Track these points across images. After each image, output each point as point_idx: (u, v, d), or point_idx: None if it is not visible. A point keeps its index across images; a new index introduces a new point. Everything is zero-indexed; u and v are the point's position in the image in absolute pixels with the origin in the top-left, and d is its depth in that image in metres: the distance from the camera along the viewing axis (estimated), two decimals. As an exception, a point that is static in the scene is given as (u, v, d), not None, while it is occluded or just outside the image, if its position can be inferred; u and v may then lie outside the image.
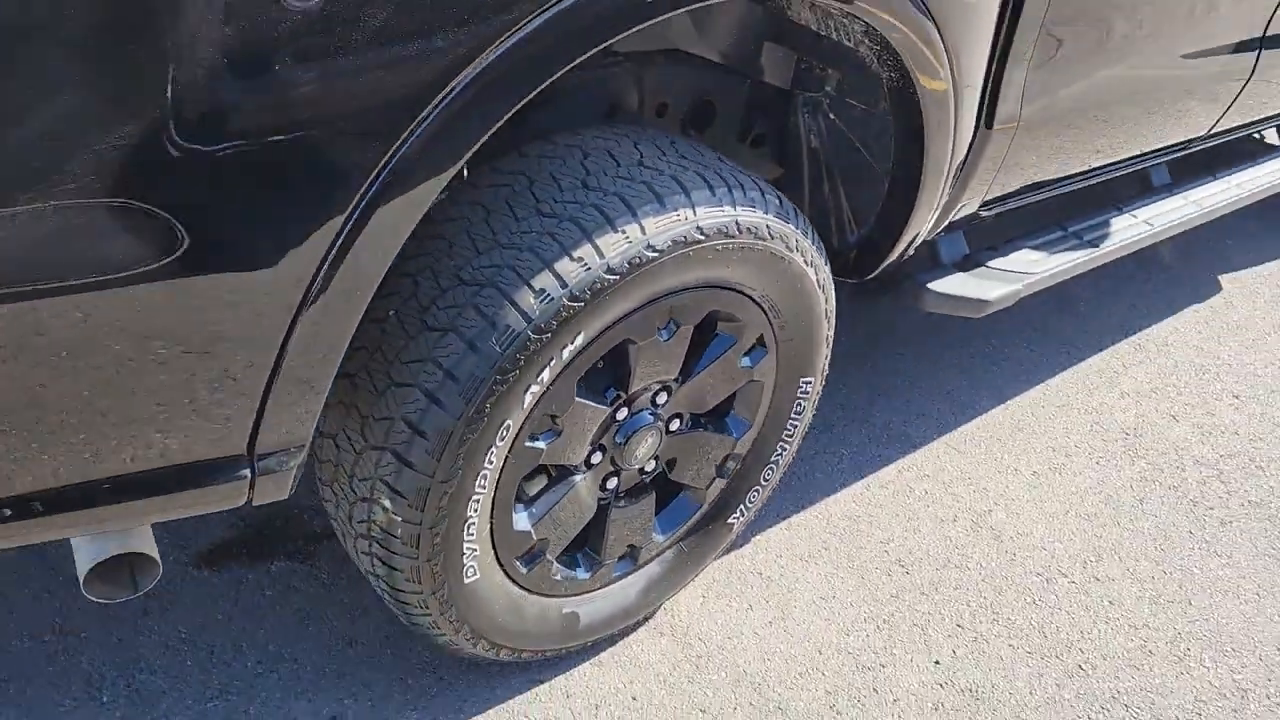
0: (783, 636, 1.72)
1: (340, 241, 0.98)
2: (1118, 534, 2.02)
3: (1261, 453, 2.29)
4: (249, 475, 1.07)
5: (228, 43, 0.84)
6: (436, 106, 0.96)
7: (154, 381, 0.97)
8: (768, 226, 1.35)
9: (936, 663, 1.71)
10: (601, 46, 1.06)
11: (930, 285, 1.84)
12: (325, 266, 0.98)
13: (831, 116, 1.64)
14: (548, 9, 0.98)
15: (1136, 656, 1.76)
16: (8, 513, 0.99)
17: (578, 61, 1.05)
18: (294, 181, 0.94)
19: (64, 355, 0.91)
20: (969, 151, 1.64)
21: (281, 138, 0.90)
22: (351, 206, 0.96)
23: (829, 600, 1.80)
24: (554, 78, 1.04)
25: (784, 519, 1.95)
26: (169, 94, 0.83)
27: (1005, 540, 1.97)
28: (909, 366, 2.41)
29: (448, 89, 0.96)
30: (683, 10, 1.13)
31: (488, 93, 0.99)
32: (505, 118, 1.03)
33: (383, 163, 0.96)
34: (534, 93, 1.03)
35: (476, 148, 1.03)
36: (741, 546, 1.87)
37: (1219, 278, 2.97)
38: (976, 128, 1.61)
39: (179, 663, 1.55)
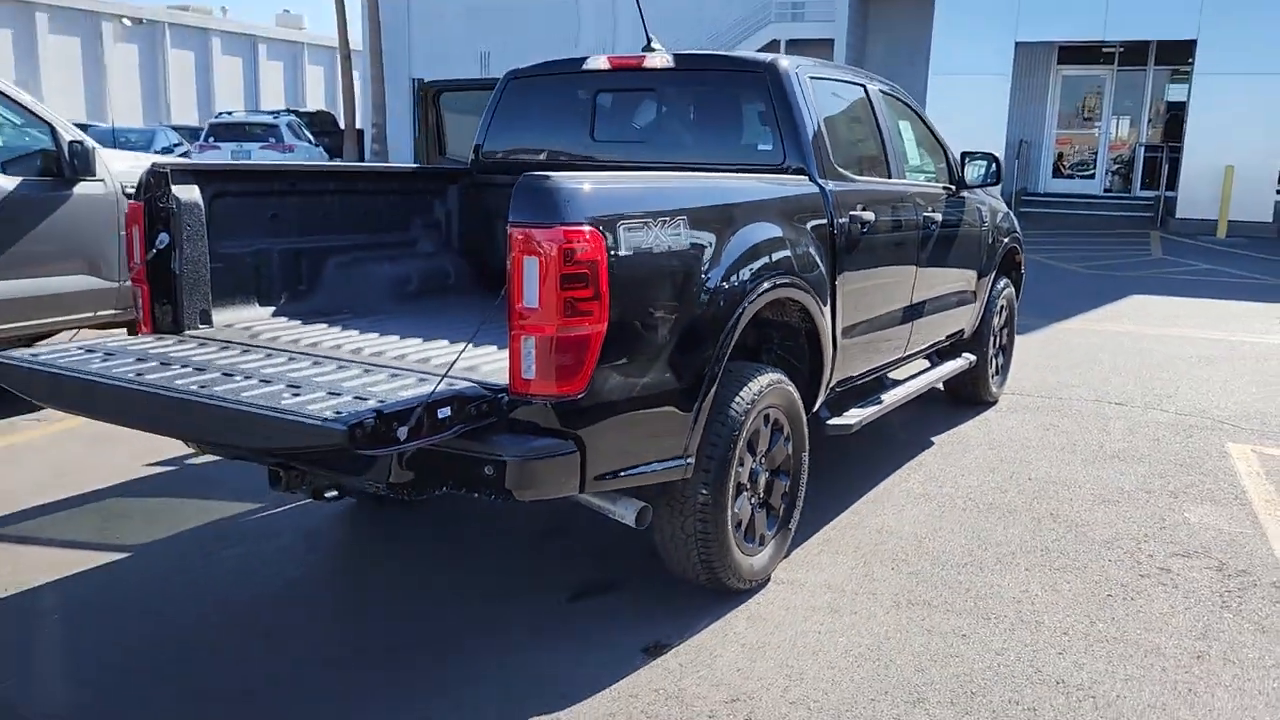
0: (829, 574, 3.78)
1: (706, 395, 3.15)
2: (939, 524, 4.30)
3: (988, 487, 4.73)
4: (685, 464, 3.12)
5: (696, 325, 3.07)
6: (719, 351, 3.19)
7: (671, 437, 3.05)
8: (784, 380, 3.64)
9: (893, 569, 3.84)
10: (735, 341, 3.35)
11: (828, 422, 4.17)
12: (701, 404, 3.14)
13: (780, 353, 4.01)
14: (733, 328, 3.27)
15: (965, 551, 4.00)
16: (619, 473, 2.96)
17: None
18: (706, 375, 3.12)
19: (642, 428, 2.99)
20: (832, 358, 4.05)
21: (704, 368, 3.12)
22: (708, 385, 3.15)
23: (836, 565, 3.89)
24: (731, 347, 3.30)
25: (799, 545, 4.05)
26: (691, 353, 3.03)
27: (893, 535, 4.18)
28: (822, 474, 4.66)
29: (719, 347, 3.20)
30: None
31: (725, 347, 3.24)
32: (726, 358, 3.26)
33: (713, 369, 3.16)
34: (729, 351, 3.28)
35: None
36: (789, 555, 3.94)
37: (930, 438, 5.57)
38: (832, 346, 4.04)
39: (605, 626, 3.36)
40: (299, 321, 3.74)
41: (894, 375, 5.01)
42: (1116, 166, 21.85)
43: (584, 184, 2.73)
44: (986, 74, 18.02)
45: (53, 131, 5.66)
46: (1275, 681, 3.09)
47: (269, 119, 19.67)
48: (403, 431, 2.44)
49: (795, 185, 3.83)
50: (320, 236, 4.04)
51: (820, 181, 3.95)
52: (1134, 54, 20.20)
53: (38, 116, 5.67)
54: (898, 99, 5.12)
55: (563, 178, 2.68)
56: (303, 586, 3.73)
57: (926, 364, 5.70)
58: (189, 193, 3.43)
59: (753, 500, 3.58)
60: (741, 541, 3.50)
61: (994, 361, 6.29)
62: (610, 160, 4.37)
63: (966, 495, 4.66)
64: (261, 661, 3.12)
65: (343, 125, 28.09)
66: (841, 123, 4.40)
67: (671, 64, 4.21)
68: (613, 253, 2.73)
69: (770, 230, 3.50)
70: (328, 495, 3.15)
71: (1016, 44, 18.01)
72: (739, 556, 3.47)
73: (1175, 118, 20.05)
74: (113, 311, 6.00)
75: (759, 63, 4.05)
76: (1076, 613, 3.51)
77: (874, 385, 4.78)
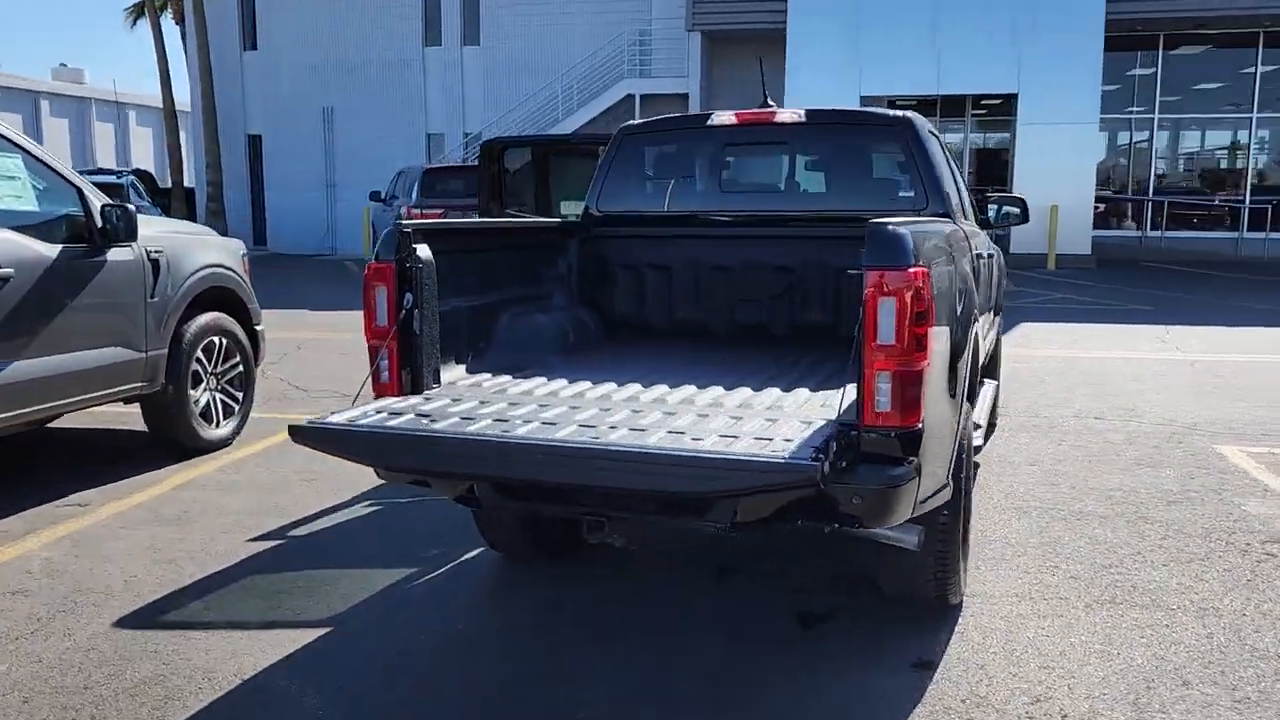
0: (1005, 585, 4.08)
1: (962, 422, 3.39)
2: (1053, 534, 4.69)
3: (1064, 499, 5.18)
4: (949, 487, 3.34)
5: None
6: (971, 378, 3.46)
7: (945, 462, 3.27)
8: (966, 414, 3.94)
9: (1055, 575, 4.19)
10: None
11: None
12: (959, 430, 3.38)
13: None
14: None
15: (1098, 554, 4.40)
16: (929, 498, 3.15)
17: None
18: (963, 402, 3.38)
19: (940, 454, 3.21)
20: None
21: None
22: (964, 412, 3.40)
23: (1001, 577, 4.20)
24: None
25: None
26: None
27: (1023, 545, 4.54)
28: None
29: (971, 374, 3.47)
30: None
31: (972, 374, 3.51)
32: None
33: (967, 396, 3.42)
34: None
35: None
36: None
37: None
38: (971, 376, 4.37)
39: (856, 648, 3.51)
40: (508, 376, 3.73)
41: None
42: (942, 209, 23.70)
43: (914, 228, 2.94)
44: (835, 126, 19.27)
45: (80, 195, 5.29)
46: None
47: (113, 179, 18.54)
48: (826, 466, 2.56)
49: (953, 226, 4.17)
50: (493, 292, 4.04)
51: (957, 223, 4.31)
52: (955, 104, 22.11)
53: (64, 179, 5.30)
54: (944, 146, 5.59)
55: (900, 223, 2.89)
56: (524, 640, 3.68)
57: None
58: (425, 251, 3.40)
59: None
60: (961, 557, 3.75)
61: (996, 387, 6.83)
62: (743, 211, 4.58)
63: (1052, 507, 5.09)
64: (553, 701, 3.10)
65: (164, 184, 26.69)
66: (944, 169, 4.79)
67: (804, 119, 4.48)
68: (933, 291, 2.95)
69: (966, 268, 3.81)
70: (617, 543, 3.17)
71: (861, 98, 19.39)
72: (962, 572, 3.72)
73: (998, 163, 22.04)
74: (139, 384, 5.63)
75: (896, 117, 4.39)
76: (1236, 596, 3.96)
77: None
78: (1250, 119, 22.15)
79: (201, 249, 6.20)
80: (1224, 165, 23.60)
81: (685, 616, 3.85)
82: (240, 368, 6.45)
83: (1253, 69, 21.76)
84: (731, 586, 4.15)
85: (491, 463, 2.77)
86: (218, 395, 6.28)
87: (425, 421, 2.92)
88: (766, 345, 4.38)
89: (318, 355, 9.92)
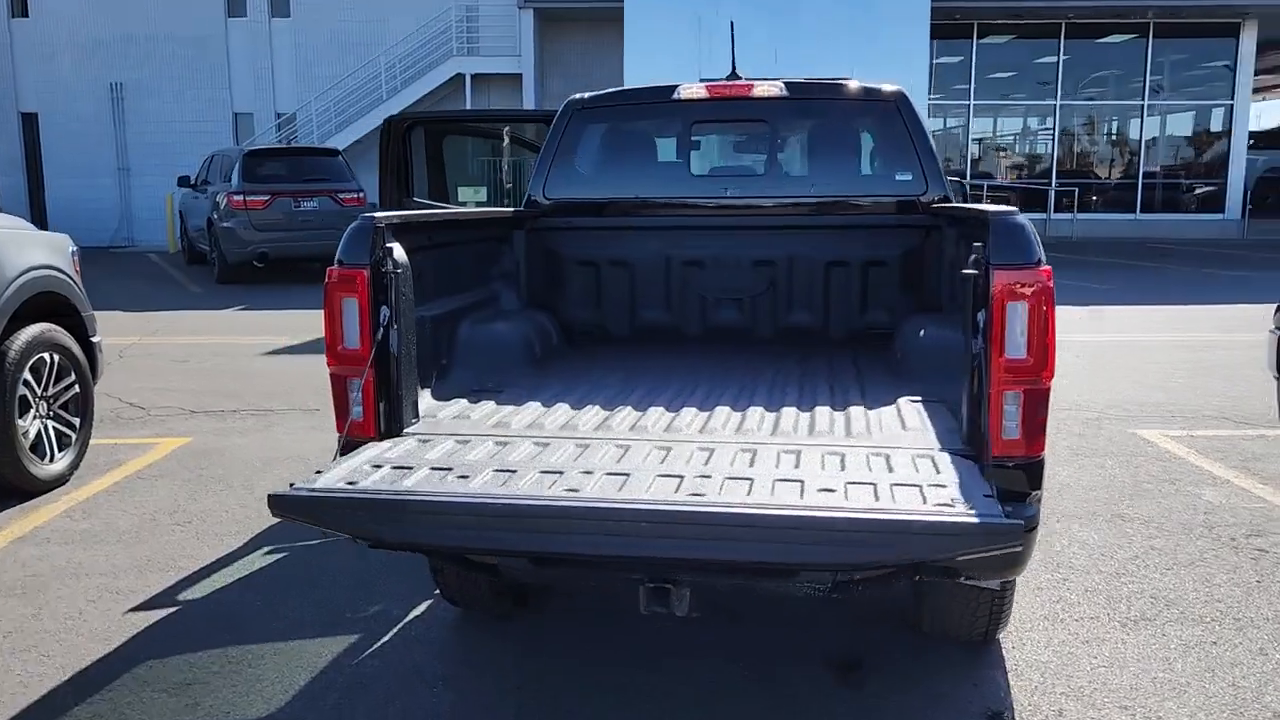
0: (1026, 608, 3.74)
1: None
2: (1040, 539, 4.41)
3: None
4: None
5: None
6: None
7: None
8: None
9: (1070, 590, 3.88)
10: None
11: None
12: None
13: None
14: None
15: (1099, 560, 4.14)
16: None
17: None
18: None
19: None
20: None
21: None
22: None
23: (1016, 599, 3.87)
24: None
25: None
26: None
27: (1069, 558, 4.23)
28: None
29: None
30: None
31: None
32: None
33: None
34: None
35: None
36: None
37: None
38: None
39: (913, 702, 3.05)
40: (491, 403, 3.05)
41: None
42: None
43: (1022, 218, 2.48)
44: (674, 109, 18.97)
45: None
46: None
47: None
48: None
49: (965, 215, 3.77)
50: (450, 297, 3.33)
51: (957, 211, 3.92)
52: (784, 91, 22.26)
53: None
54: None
55: (1014, 212, 2.42)
56: (525, 710, 3.02)
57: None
58: (400, 252, 2.67)
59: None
60: (1003, 590, 3.37)
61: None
62: (716, 198, 4.03)
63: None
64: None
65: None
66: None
67: (785, 93, 3.98)
68: (1048, 293, 2.51)
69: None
70: (678, 613, 2.55)
71: (701, 80, 19.17)
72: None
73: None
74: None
75: (890, 92, 3.96)
76: (1258, 602, 3.76)
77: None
78: (1054, 106, 23.43)
79: (23, 247, 5.12)
80: (1031, 150, 24.92)
81: (704, 667, 3.29)
82: (76, 389, 5.39)
83: (1054, 58, 22.99)
84: (741, 629, 3.62)
85: (576, 535, 2.11)
86: (50, 423, 5.21)
87: (451, 479, 2.22)
88: (753, 351, 3.86)
89: (147, 364, 8.69)
